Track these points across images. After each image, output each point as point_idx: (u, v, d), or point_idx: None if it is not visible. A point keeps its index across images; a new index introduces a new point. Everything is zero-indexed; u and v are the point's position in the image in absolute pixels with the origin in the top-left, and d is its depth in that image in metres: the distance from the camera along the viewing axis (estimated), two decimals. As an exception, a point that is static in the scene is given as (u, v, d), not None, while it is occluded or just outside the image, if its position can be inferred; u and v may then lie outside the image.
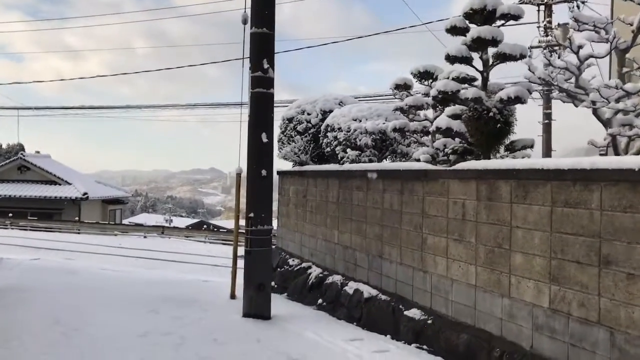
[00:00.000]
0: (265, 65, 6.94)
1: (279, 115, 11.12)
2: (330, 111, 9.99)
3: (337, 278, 7.95)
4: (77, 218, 30.57)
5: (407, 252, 6.34)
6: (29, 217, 31.37)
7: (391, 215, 6.70)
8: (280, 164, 11.11)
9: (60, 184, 34.42)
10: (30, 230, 28.36)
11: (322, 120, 9.91)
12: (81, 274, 14.43)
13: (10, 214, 30.52)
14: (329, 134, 8.95)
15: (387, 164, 6.92)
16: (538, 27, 16.78)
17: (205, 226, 35.67)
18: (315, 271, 8.70)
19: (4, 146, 58.24)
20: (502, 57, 5.78)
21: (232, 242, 24.11)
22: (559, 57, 7.38)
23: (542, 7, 16.71)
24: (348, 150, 8.08)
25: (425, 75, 7.23)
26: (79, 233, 27.58)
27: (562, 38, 16.18)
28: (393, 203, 6.66)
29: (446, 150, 6.45)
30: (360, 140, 8.05)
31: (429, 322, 5.72)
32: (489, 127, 5.60)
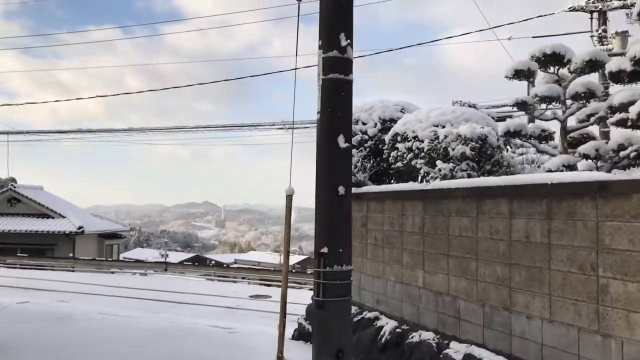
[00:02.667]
0: (343, 42, 4.99)
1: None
2: (392, 120, 8.05)
3: (426, 336, 5.88)
4: (71, 254, 28.29)
5: (563, 303, 4.31)
6: (18, 254, 29.06)
7: (528, 249, 4.68)
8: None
9: (53, 217, 32.16)
10: (19, 268, 26.07)
11: (382, 130, 7.97)
12: (76, 321, 12.20)
13: (-2, 251, 28.24)
14: (399, 145, 6.99)
15: (518, 177, 4.95)
16: (592, 36, 15.04)
17: (212, 262, 33.41)
18: (387, 324, 6.62)
19: (-6, 179, 55.82)
20: None
21: (241, 280, 21.93)
22: None
23: (595, 15, 14.98)
24: (438, 162, 6.08)
25: (552, 59, 5.29)
26: (73, 271, 25.32)
27: (621, 47, 14.46)
28: (532, 232, 4.65)
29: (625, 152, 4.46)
30: (454, 149, 6.06)
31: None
32: None
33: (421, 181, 6.37)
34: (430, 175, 6.15)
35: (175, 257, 58.77)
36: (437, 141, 6.23)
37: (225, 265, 26.46)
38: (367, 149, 7.90)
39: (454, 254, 5.65)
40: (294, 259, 76.01)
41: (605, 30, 14.85)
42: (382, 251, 7.08)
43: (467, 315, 5.43)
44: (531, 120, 5.56)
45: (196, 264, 26.53)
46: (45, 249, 30.99)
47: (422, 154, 6.44)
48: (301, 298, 16.97)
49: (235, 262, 63.39)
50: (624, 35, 14.45)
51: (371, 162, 7.80)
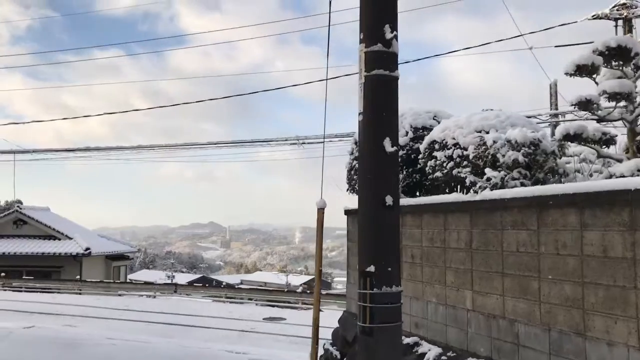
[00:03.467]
0: (388, 34, 4.44)
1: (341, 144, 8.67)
2: (424, 128, 7.50)
3: (479, 363, 5.26)
4: (78, 276, 27.65)
5: (657, 328, 3.70)
6: (24, 277, 28.45)
7: (606, 265, 4.08)
8: (334, 202, 8.54)
9: (60, 239, 31.58)
10: (25, 291, 25.47)
11: (414, 139, 7.42)
12: (85, 347, 11.62)
13: (3, 273, 27.61)
14: (437, 154, 6.42)
15: (589, 184, 4.37)
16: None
17: (223, 283, 32.68)
18: (430, 351, 5.99)
19: (1, 202, 55.24)
20: None
21: (251, 301, 21.24)
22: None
23: (620, 23, 14.48)
24: (487, 171, 5.50)
25: (616, 54, 4.74)
26: (80, 293, 24.71)
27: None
28: (610, 246, 4.05)
29: None
30: (504, 156, 5.48)
31: None
32: None
33: (466, 192, 5.78)
34: (478, 185, 5.56)
35: (182, 278, 58.19)
36: (484, 147, 5.65)
37: (235, 287, 25.78)
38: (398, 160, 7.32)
39: (510, 272, 5.05)
40: (300, 279, 75.37)
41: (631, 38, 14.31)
42: (420, 270, 6.47)
43: (528, 341, 4.81)
44: (601, 121, 4.97)
45: (206, 285, 25.85)
46: (51, 272, 30.39)
47: (466, 163, 5.86)
48: (321, 320, 16.32)
49: (241, 283, 62.68)
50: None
51: (403, 173, 7.22)
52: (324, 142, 5.16)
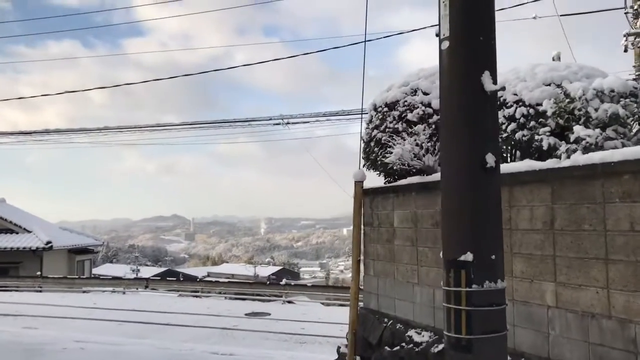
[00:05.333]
0: None
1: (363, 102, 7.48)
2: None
3: (573, 376, 4.08)
4: (38, 272, 25.74)
5: None
6: (-23, 274, 26.42)
7: None
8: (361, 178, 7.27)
9: (17, 232, 29.50)
10: (-22, 289, 23.51)
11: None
12: (48, 353, 10.18)
13: (-45, 271, 25.55)
14: (492, 115, 5.19)
15: None
16: (626, 13, 13.53)
17: (198, 278, 31.09)
18: (495, 357, 4.78)
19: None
20: None
21: (231, 294, 19.79)
22: None
23: (628, -11, 13.48)
24: (577, 129, 4.30)
25: None
26: (41, 291, 22.91)
27: (661, 23, 12.97)
28: None
29: None
30: (598, 110, 4.29)
31: None
32: None
33: (543, 157, 4.58)
34: (565, 148, 4.35)
35: (147, 271, 56.46)
36: (567, 101, 4.44)
37: (213, 280, 24.32)
38: (433, 126, 6.09)
39: (619, 257, 3.87)
40: (268, 270, 74.05)
41: (640, 6, 13.37)
42: (472, 257, 5.25)
43: (654, 348, 3.64)
44: None
45: (181, 279, 24.28)
46: (8, 268, 28.34)
47: (541, 121, 4.65)
48: (319, 315, 15.05)
49: (208, 275, 61.05)
50: (663, 11, 13.02)
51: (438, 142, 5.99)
52: (362, 104, 4.05)
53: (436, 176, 5.78)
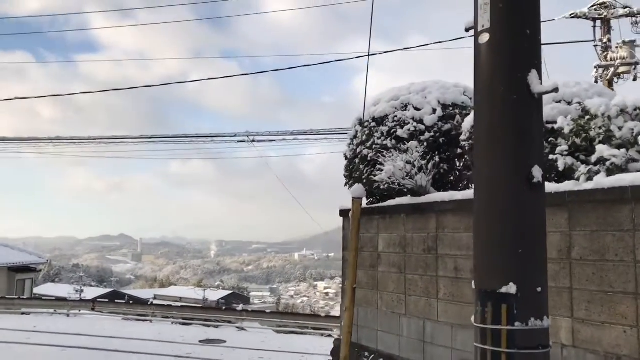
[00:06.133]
0: None
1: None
2: (454, 105, 5.94)
3: None
4: (-28, 292, 24.03)
5: None
6: None
7: None
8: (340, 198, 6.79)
9: (-50, 249, 27.69)
10: None
11: (444, 119, 5.76)
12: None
13: None
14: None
15: None
16: (595, 45, 13.59)
17: (150, 300, 29.67)
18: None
19: None
20: None
21: (184, 320, 18.81)
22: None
23: (598, 23, 13.55)
24: (600, 148, 3.90)
25: None
26: (-26, 312, 21.29)
27: (630, 57, 13.06)
28: None
29: None
30: (622, 129, 3.91)
31: None
32: None
33: (558, 179, 4.16)
34: (585, 169, 3.93)
35: (91, 292, 54.33)
36: (587, 118, 4.05)
37: (166, 304, 23.21)
38: (424, 144, 5.64)
39: (653, 292, 3.44)
40: (217, 294, 72.40)
41: (610, 40, 13.46)
42: (469, 289, 4.77)
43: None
44: None
45: (131, 302, 23.11)
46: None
47: (551, 140, 4.25)
48: (278, 344, 14.31)
49: (155, 298, 59.17)
50: (632, 44, 13.12)
51: (433, 160, 5.54)
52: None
53: (430, 197, 5.32)
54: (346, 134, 14.38)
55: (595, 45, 13.52)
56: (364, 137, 6.12)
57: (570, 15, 13.36)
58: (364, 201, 6.53)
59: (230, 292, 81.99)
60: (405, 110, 5.86)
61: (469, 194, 5.01)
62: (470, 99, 5.96)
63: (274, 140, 14.09)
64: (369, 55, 4.44)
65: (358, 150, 6.19)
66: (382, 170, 5.56)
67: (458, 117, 5.71)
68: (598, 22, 13.45)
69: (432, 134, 5.69)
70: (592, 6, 13.47)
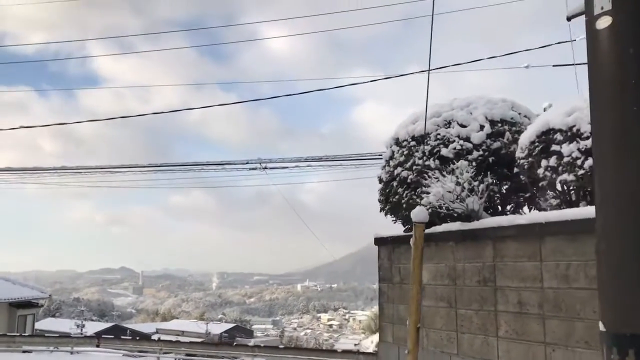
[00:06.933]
0: None
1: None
2: (503, 121, 5.44)
3: None
4: (-28, 329, 23.30)
5: None
6: None
7: None
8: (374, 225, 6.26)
9: (-50, 284, 27.02)
10: None
11: (492, 136, 5.26)
12: None
13: None
14: (562, 148, 4.30)
15: None
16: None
17: (158, 335, 28.78)
18: None
19: None
20: None
21: (195, 356, 18.07)
22: None
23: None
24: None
25: None
26: (-27, 350, 20.56)
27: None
28: None
29: None
30: None
31: None
32: None
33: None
34: None
35: (92, 327, 53.53)
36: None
37: (162, 340, 22.46)
38: (472, 164, 5.13)
39: None
40: (220, 327, 71.27)
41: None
42: (541, 324, 4.22)
43: None
44: None
45: (137, 338, 22.39)
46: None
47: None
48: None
49: (157, 332, 58.20)
50: None
51: (485, 181, 5.03)
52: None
53: (485, 222, 4.80)
54: (363, 159, 13.97)
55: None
56: (402, 158, 5.63)
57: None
58: (401, 228, 6.02)
59: (233, 325, 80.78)
60: (449, 127, 5.39)
61: (534, 217, 4.49)
62: (519, 114, 5.47)
63: (287, 167, 13.67)
64: (429, 70, 4.01)
65: (395, 172, 5.70)
66: (426, 193, 5.06)
67: (508, 133, 5.24)
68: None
69: (480, 152, 5.21)
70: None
